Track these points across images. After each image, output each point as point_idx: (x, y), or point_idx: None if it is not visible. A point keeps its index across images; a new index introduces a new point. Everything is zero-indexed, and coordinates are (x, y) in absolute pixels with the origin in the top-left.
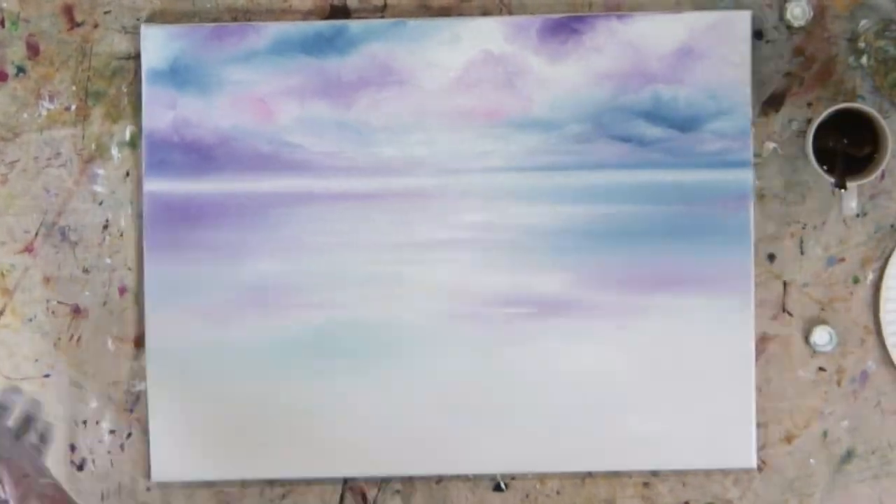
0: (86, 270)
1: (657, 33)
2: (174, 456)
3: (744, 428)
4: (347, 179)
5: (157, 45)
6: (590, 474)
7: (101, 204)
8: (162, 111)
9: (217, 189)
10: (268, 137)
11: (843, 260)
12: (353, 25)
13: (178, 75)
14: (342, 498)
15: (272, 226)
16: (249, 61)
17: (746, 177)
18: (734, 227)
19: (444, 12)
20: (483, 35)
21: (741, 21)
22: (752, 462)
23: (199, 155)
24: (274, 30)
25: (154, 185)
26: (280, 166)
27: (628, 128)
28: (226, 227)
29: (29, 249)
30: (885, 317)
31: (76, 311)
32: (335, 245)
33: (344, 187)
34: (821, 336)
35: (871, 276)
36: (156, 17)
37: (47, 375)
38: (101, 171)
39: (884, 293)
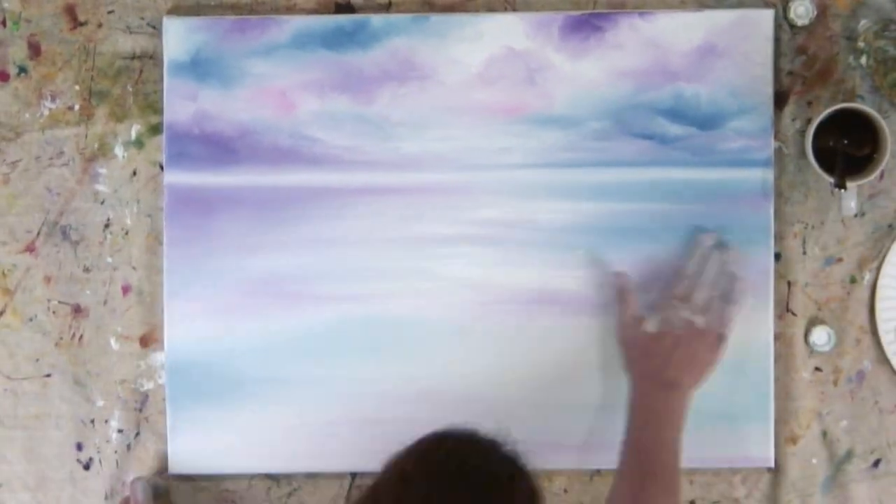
0: (87, 270)
1: (679, 31)
2: (188, 449)
3: (761, 427)
4: (367, 174)
5: (178, 37)
6: (598, 472)
7: (102, 203)
8: (183, 104)
9: (236, 182)
10: (288, 131)
11: (840, 260)
12: (375, 20)
13: (199, 68)
14: (349, 492)
15: (291, 219)
16: (270, 55)
17: (767, 176)
18: (754, 226)
19: (449, 10)
20: (504, 31)
21: (764, 19)
22: (770, 461)
23: (219, 148)
24: (295, 23)
25: (174, 178)
26: (300, 160)
27: (649, 125)
28: (244, 219)
29: (30, 249)
30: (881, 316)
31: (77, 310)
32: (353, 239)
33: (363, 182)
34: (819, 336)
35: (868, 277)
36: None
37: (48, 375)
38: (103, 171)
39: (880, 293)
